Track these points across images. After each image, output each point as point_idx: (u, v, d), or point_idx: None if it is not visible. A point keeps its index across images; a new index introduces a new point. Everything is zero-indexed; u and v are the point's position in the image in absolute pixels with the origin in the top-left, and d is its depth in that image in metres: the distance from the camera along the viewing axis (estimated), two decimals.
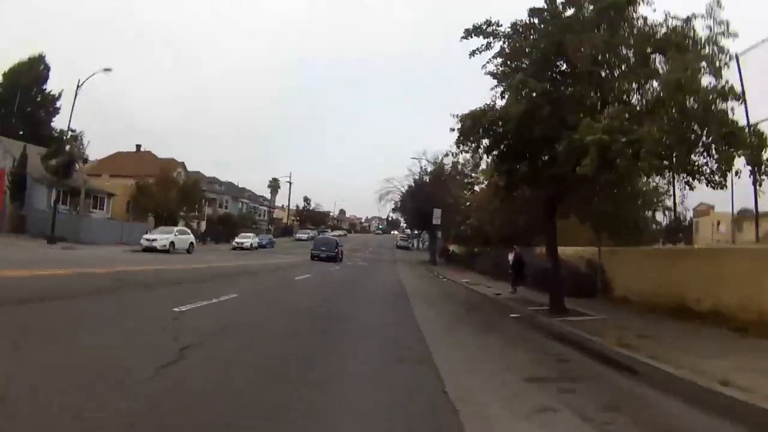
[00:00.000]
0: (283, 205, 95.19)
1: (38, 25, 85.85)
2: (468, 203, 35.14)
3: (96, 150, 70.89)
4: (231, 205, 72.72)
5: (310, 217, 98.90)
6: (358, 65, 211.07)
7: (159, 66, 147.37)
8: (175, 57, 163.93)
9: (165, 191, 44.33)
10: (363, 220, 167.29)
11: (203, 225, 60.33)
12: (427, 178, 45.32)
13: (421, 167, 45.90)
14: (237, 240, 47.15)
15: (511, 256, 16.09)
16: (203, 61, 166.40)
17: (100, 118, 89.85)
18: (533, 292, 15.90)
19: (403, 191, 47.96)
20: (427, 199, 41.45)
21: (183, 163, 58.03)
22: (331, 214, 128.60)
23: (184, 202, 45.79)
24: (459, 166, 44.60)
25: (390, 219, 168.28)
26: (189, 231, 36.18)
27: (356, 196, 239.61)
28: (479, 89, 59.58)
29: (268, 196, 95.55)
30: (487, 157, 11.60)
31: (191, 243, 33.68)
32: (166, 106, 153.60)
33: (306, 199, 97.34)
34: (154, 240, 30.21)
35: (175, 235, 32.01)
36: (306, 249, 52.72)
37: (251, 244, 46.66)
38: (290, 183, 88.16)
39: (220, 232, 58.31)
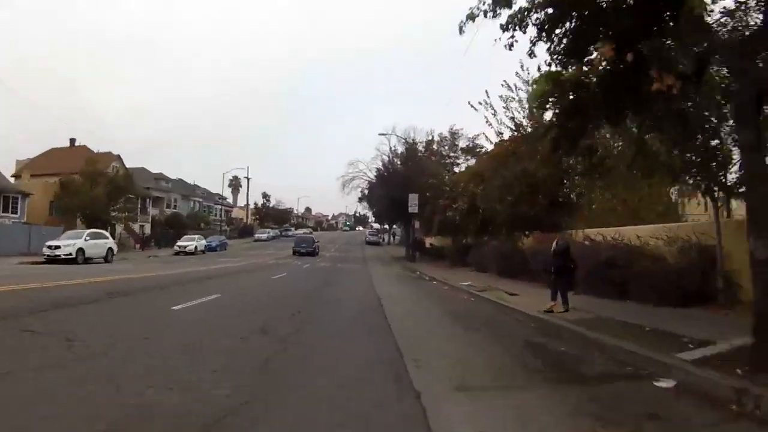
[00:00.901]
0: (245, 205, 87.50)
1: None
2: (452, 186, 29.20)
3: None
4: (181, 204, 65.27)
5: (270, 215, 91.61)
6: (323, 55, 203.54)
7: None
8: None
9: (91, 187, 36.89)
10: (330, 218, 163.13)
11: (148, 227, 53.00)
12: (398, 161, 39.26)
13: (390, 147, 39.82)
14: (180, 243, 40.19)
15: (555, 246, 10.00)
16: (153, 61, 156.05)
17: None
18: (591, 299, 10.30)
19: (371, 177, 41.78)
20: (400, 183, 35.51)
21: (119, 156, 50.36)
22: (295, 211, 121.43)
23: (114, 198, 38.34)
24: (435, 145, 39.22)
25: (357, 215, 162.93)
26: (107, 234, 29.44)
27: (322, 193, 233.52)
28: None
29: (229, 195, 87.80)
30: (547, 40, 5.78)
31: (110, 249, 27.12)
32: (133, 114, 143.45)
33: (265, 196, 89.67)
34: (56, 248, 23.30)
35: (86, 239, 25.36)
36: (262, 251, 46.53)
37: (196, 248, 39.73)
38: (248, 179, 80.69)
39: (168, 234, 51.21)
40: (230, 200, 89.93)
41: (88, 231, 27.33)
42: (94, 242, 26.09)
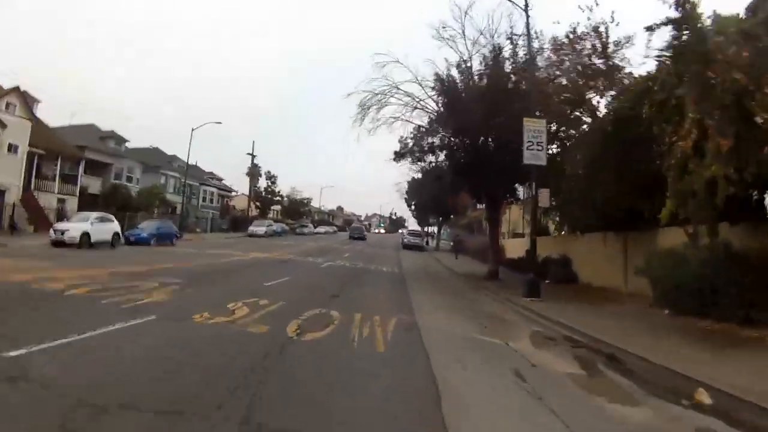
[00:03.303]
0: (249, 190, 68.07)
1: None
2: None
3: None
4: (144, 178, 46.37)
5: (276, 204, 72.00)
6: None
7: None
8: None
9: None
10: (362, 218, 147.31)
11: (73, 201, 34.38)
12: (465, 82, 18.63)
13: (448, 71, 18.90)
14: (59, 226, 21.47)
15: None
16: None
17: None
18: None
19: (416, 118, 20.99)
20: (475, 127, 15.41)
21: (26, 92, 31.87)
22: (321, 206, 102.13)
23: None
24: (563, 52, 18.46)
25: (394, 216, 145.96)
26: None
27: (356, 195, 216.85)
28: None
29: (244, 186, 68.61)
30: None
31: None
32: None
33: (270, 177, 69.93)
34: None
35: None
36: (210, 260, 26.69)
37: (81, 237, 21.50)
38: (253, 156, 61.54)
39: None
40: (239, 190, 71.39)
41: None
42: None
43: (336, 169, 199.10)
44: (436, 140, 20.17)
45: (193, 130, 40.59)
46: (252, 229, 50.68)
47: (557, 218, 18.67)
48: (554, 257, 21.16)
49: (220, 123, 39.96)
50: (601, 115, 14.39)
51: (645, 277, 11.84)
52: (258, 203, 66.69)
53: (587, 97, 15.51)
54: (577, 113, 16.20)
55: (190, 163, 63.24)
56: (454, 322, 9.31)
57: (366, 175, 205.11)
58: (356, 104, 19.75)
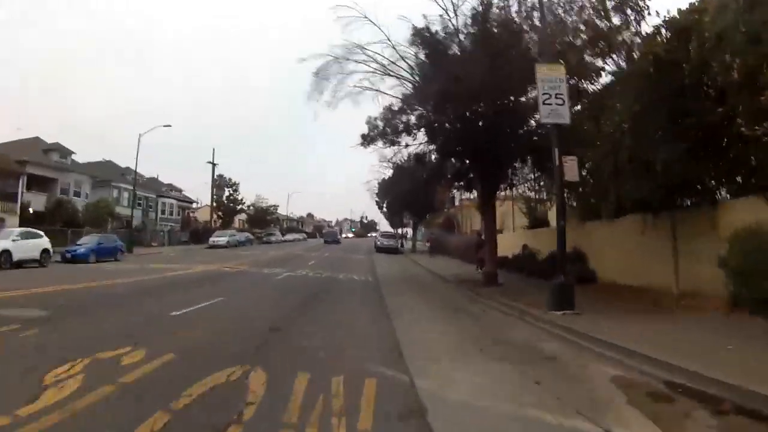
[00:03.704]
0: (210, 201, 62.63)
1: None
2: None
3: None
4: (94, 193, 41.64)
5: (238, 212, 66.66)
6: None
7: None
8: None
9: None
10: (333, 223, 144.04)
11: (14, 220, 29.74)
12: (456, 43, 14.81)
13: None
14: None
15: None
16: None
17: None
18: None
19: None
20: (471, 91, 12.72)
21: None
22: (289, 213, 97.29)
23: None
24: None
25: (365, 221, 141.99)
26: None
27: (327, 201, 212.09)
28: None
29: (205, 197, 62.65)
30: None
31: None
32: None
33: (231, 185, 64.65)
34: None
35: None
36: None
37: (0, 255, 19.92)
38: (213, 165, 56.12)
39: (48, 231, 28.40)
40: (204, 201, 65.94)
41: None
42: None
43: (304, 176, 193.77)
44: (413, 118, 16.37)
45: (140, 135, 35.86)
46: (213, 239, 45.98)
47: (573, 202, 14.96)
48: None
49: (169, 126, 35.28)
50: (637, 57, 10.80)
51: (726, 269, 8.33)
52: (220, 213, 61.60)
53: (617, 37, 11.82)
54: (598, 63, 12.56)
55: (149, 176, 58.60)
56: (480, 375, 5.28)
57: (335, 181, 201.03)
58: (312, 72, 15.82)
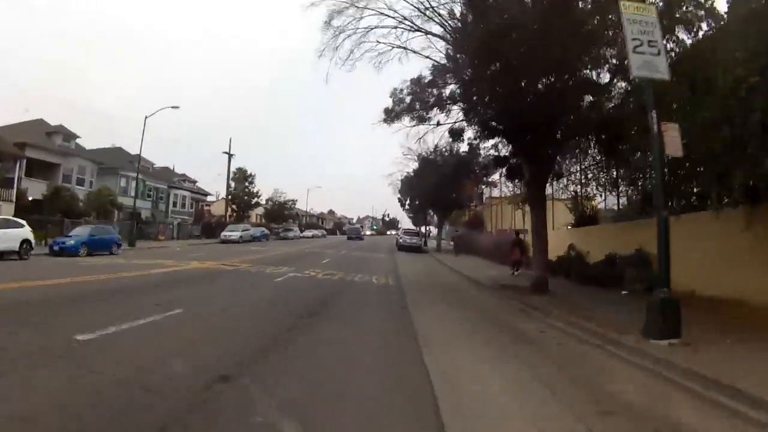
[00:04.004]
0: (226, 194, 60.19)
1: None
2: None
3: None
4: (100, 181, 39.74)
5: (247, 206, 63.82)
6: None
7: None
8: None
9: None
10: (354, 221, 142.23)
11: (9, 208, 27.79)
12: None
13: None
14: None
15: None
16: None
17: None
18: None
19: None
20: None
21: None
22: (309, 209, 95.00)
23: None
24: None
25: (387, 218, 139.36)
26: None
27: (348, 198, 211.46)
28: None
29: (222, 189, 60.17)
30: None
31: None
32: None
33: (247, 176, 62.16)
34: None
35: None
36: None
37: None
38: (230, 155, 53.75)
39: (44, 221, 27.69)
40: (221, 194, 63.67)
41: None
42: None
43: (327, 173, 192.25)
44: (446, 91, 13.40)
45: (146, 117, 33.51)
46: (225, 234, 43.55)
47: (635, 191, 11.75)
48: (623, 254, 14.49)
49: (177, 107, 32.94)
50: None
51: None
52: (234, 206, 59.35)
53: None
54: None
55: (162, 166, 56.70)
56: None
57: (358, 178, 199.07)
58: (323, 20, 12.97)
